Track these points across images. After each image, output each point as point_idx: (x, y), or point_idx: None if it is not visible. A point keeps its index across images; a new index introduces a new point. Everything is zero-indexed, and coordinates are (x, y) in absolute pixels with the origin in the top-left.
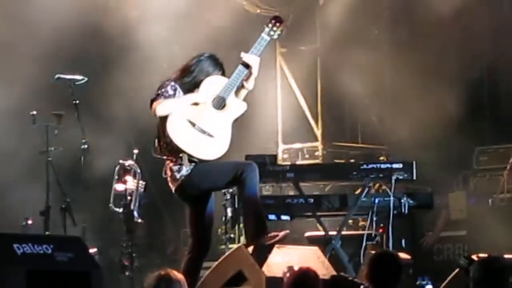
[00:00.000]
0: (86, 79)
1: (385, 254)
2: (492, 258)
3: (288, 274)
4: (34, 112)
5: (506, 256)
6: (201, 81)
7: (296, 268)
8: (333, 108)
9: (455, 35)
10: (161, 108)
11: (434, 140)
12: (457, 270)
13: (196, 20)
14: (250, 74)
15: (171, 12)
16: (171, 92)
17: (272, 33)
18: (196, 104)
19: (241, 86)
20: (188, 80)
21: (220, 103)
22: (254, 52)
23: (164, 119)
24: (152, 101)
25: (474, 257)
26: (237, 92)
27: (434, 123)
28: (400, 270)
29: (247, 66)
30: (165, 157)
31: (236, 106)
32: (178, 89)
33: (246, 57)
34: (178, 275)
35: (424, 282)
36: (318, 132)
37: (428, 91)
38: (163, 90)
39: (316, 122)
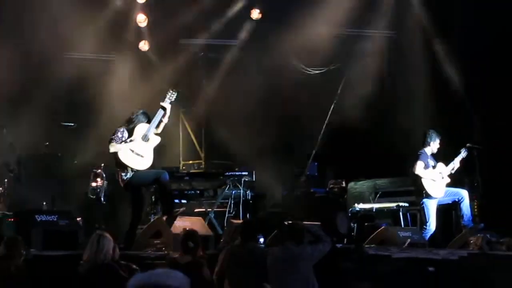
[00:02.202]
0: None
1: (250, 220)
2: (294, 222)
3: (182, 232)
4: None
5: (304, 222)
6: (136, 125)
7: (187, 229)
8: (211, 141)
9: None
10: (112, 148)
11: (267, 159)
12: (276, 230)
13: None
14: (165, 114)
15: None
16: (120, 136)
17: (172, 97)
18: (132, 140)
19: (161, 121)
20: (131, 126)
21: (146, 138)
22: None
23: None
24: (110, 141)
25: (286, 222)
26: (158, 125)
27: (268, 149)
28: (258, 229)
29: (164, 108)
30: (118, 169)
31: (155, 139)
32: (125, 131)
33: (163, 103)
34: (107, 234)
35: (259, 236)
36: (202, 155)
37: (268, 132)
38: (114, 136)
39: (201, 149)
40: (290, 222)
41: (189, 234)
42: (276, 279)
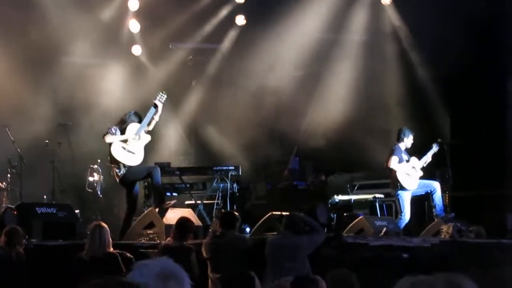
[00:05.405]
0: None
1: (228, 212)
2: (293, 213)
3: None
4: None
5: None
6: (129, 125)
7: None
8: (200, 137)
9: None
10: (108, 139)
11: (252, 155)
12: (264, 218)
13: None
14: (157, 112)
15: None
16: (113, 131)
17: (161, 99)
18: (125, 137)
19: (152, 119)
20: (124, 126)
21: (137, 137)
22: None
23: (110, 145)
24: (104, 135)
25: (283, 213)
26: (150, 122)
27: (252, 145)
28: (236, 218)
29: (155, 106)
30: (112, 165)
31: (145, 137)
32: (117, 129)
33: (156, 102)
34: (104, 224)
35: (244, 226)
36: (192, 151)
37: (252, 130)
38: (109, 130)
39: (191, 145)
40: (289, 213)
41: (180, 221)
42: (274, 266)
